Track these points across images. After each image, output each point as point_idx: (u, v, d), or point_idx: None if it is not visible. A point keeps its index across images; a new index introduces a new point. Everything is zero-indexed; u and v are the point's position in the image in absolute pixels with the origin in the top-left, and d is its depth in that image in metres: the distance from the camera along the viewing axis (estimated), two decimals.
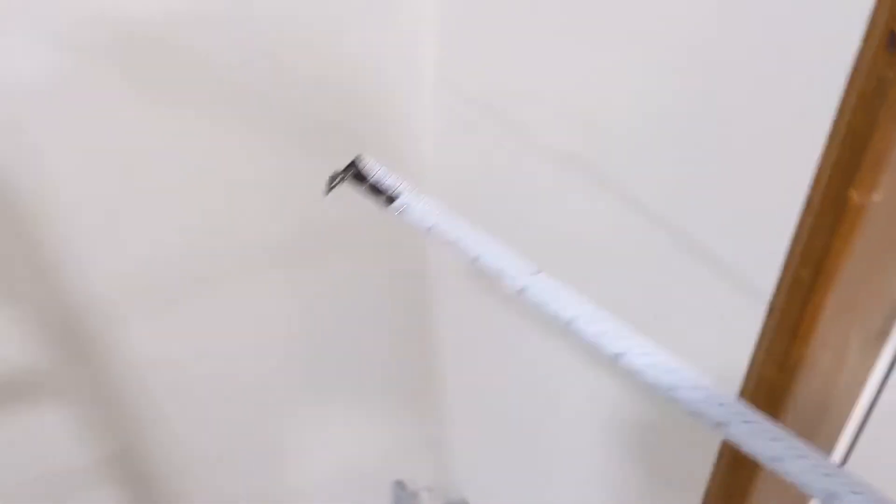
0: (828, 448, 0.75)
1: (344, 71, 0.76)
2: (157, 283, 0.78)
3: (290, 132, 0.77)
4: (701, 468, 0.73)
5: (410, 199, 0.46)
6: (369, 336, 1.03)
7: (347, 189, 0.47)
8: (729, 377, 0.64)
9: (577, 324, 0.43)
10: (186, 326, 0.83)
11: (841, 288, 0.57)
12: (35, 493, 0.83)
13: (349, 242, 0.91)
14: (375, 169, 0.46)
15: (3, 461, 0.78)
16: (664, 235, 0.68)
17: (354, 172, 0.45)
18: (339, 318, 0.98)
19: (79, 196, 0.68)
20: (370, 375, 1.07)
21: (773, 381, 0.63)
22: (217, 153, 0.74)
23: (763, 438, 0.38)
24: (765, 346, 0.61)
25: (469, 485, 1.20)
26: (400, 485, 1.17)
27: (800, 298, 0.58)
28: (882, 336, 0.68)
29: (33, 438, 0.79)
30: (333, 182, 0.45)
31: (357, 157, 0.45)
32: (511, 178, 0.82)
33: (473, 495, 1.18)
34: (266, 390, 0.97)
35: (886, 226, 0.54)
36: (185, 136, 0.71)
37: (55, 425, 0.79)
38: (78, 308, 0.73)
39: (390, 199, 0.46)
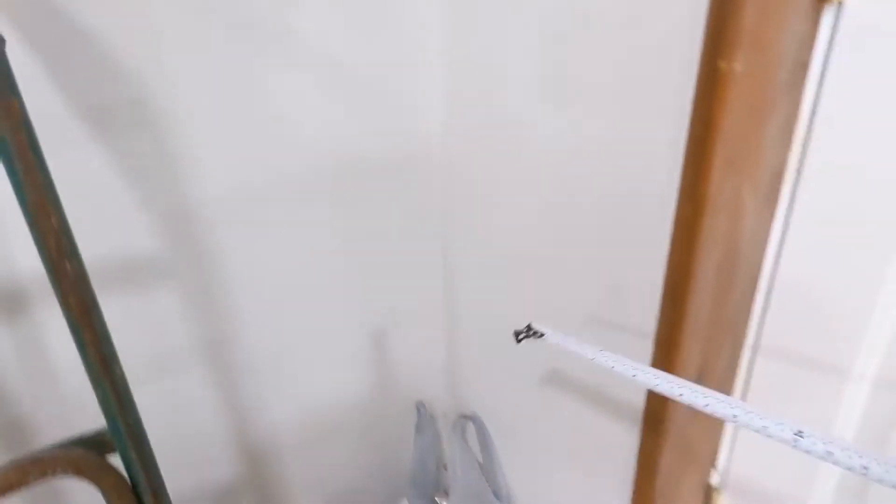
0: (749, 289, 1.00)
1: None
2: (250, 198, 1.03)
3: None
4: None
5: (551, 336, 0.83)
6: (396, 268, 1.29)
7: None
8: (664, 214, 0.89)
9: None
10: (268, 234, 1.07)
11: (725, 142, 0.83)
12: (143, 366, 1.02)
13: (385, 180, 1.19)
14: (538, 326, 0.84)
15: (125, 335, 0.99)
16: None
17: (529, 329, 0.84)
18: (372, 247, 1.24)
19: (206, 131, 0.95)
20: (390, 305, 1.33)
21: (688, 217, 0.89)
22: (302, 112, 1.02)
23: None
24: (683, 188, 0.88)
25: (477, 401, 1.43)
26: (421, 404, 1.41)
27: (699, 148, 0.84)
28: (772, 197, 0.94)
29: (148, 318, 1.00)
30: (519, 337, 0.84)
31: (530, 324, 0.85)
32: None
33: (481, 409, 1.41)
34: (317, 300, 1.21)
35: (748, 91, 0.81)
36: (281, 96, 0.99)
37: (166, 309, 1.01)
38: (192, 212, 0.98)
39: (541, 335, 0.83)
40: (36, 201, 0.61)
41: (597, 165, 0.98)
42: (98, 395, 0.70)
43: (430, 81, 1.14)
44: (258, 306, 1.09)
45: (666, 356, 0.99)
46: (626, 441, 1.10)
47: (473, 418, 1.36)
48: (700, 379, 1.04)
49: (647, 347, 0.96)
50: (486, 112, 1.11)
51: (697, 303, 0.93)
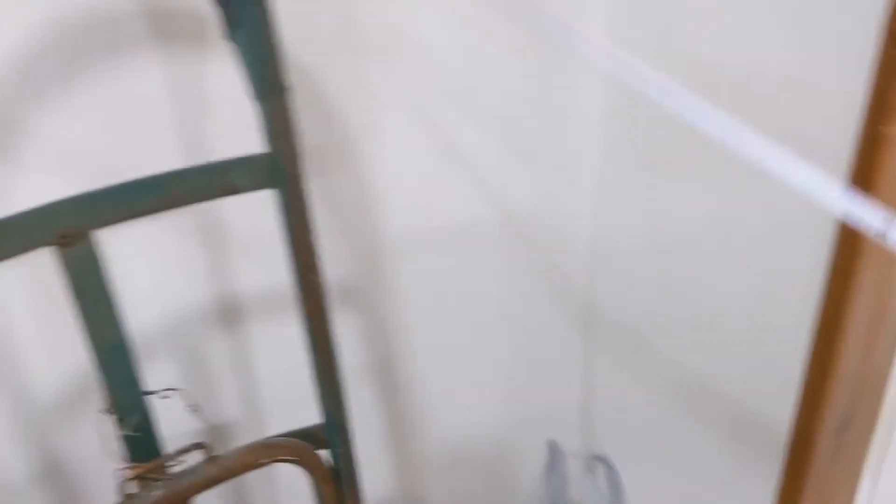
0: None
1: None
2: (427, 237, 1.15)
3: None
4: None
5: None
6: (536, 314, 1.38)
7: None
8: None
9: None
10: (436, 274, 1.19)
11: (883, 201, 0.90)
12: None
13: (538, 236, 1.28)
14: None
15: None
16: None
17: None
18: (517, 294, 1.34)
19: (398, 173, 1.08)
20: (531, 345, 1.42)
21: (845, 268, 0.95)
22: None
23: None
24: (840, 243, 0.94)
25: (609, 443, 1.49)
26: (553, 444, 1.47)
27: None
28: None
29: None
30: None
31: None
32: None
33: (613, 452, 1.46)
34: (467, 335, 1.31)
35: None
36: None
37: (348, 329, 1.13)
38: (380, 244, 1.11)
39: None
40: (297, 222, 0.73)
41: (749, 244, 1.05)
42: (321, 392, 0.81)
43: (586, 156, 1.25)
44: (421, 334, 1.20)
45: (812, 401, 1.03)
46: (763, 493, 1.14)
47: (605, 460, 1.41)
48: (843, 427, 1.07)
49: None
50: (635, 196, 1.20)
51: (848, 350, 0.98)
